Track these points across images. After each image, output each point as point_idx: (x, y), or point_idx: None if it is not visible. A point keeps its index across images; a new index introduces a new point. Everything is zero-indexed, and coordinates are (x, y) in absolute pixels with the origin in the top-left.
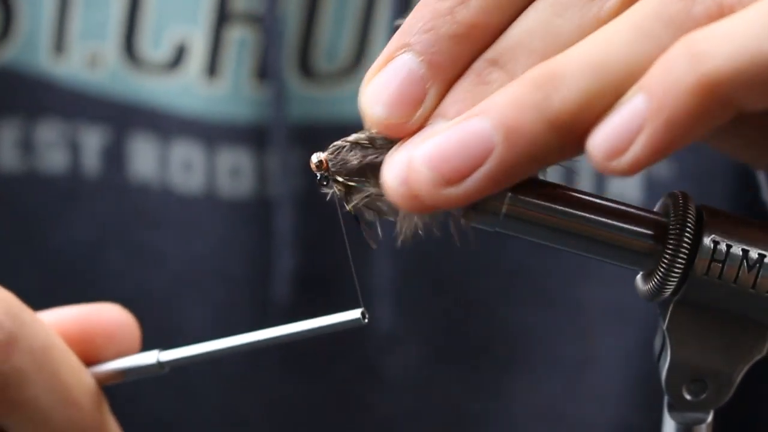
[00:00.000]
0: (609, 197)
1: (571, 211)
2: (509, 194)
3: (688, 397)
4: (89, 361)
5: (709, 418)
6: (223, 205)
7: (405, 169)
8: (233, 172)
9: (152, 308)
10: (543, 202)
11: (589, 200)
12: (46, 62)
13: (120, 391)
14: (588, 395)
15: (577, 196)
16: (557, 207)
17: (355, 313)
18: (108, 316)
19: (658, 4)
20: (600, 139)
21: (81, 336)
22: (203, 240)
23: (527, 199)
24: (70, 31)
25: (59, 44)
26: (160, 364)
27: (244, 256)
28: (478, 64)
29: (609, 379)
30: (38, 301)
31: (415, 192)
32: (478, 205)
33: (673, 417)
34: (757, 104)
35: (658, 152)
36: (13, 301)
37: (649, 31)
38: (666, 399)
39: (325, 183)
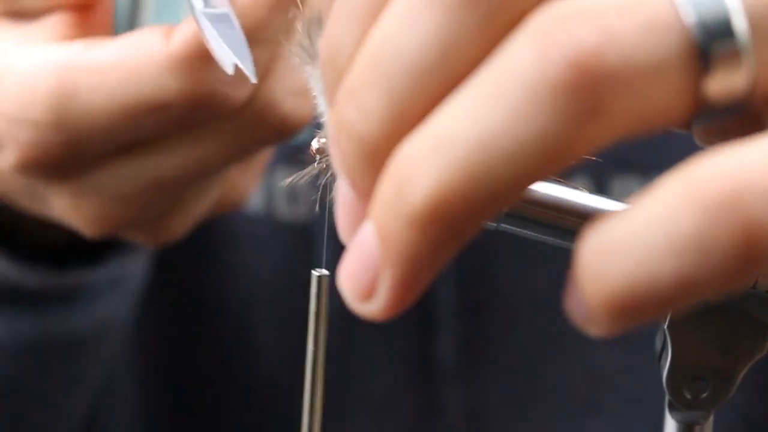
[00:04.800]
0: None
1: (568, 207)
2: None
3: (688, 396)
4: None
5: (710, 418)
6: (281, 227)
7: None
8: (290, 195)
9: (228, 325)
10: (542, 199)
11: (586, 197)
12: None
13: (202, 403)
14: None
15: (576, 193)
16: (555, 203)
17: None
18: None
19: (514, 66)
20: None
21: None
22: (267, 260)
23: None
24: None
25: None
26: None
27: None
28: None
29: None
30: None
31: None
32: None
33: (673, 416)
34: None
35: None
36: None
37: (504, 97)
38: (666, 398)
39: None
